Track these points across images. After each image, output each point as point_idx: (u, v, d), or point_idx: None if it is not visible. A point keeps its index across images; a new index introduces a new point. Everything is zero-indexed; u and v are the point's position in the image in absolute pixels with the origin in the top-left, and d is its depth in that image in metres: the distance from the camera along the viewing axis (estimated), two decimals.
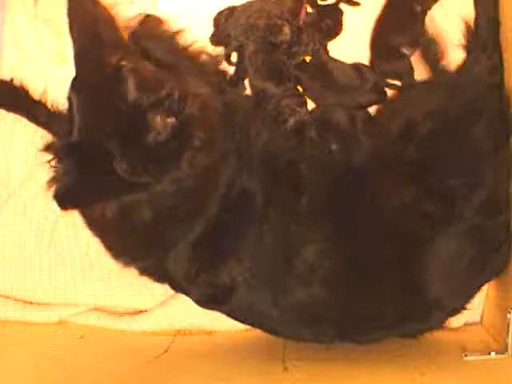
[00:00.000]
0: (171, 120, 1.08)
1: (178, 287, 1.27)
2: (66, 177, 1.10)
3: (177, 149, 1.09)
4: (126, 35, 1.23)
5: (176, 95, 1.08)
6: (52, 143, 1.29)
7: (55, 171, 1.15)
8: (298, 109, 1.36)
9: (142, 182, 1.08)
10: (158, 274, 1.25)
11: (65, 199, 1.07)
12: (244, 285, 1.20)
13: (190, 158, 1.09)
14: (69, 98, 1.13)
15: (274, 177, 1.22)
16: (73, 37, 1.18)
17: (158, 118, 1.07)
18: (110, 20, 1.20)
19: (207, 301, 1.26)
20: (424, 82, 1.37)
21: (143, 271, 1.25)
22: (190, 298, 1.27)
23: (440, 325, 1.30)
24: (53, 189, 1.12)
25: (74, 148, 1.10)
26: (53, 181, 1.15)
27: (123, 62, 1.12)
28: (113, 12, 1.23)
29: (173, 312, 1.40)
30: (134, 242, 1.21)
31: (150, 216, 1.13)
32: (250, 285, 1.20)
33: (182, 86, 1.12)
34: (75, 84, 1.14)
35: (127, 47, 1.19)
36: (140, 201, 1.12)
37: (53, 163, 1.17)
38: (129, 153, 1.06)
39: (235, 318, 1.29)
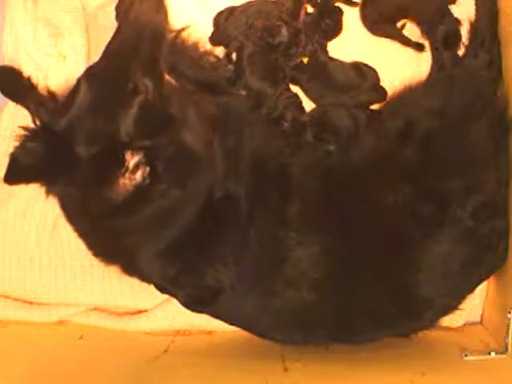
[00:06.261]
0: (145, 170, 1.07)
1: (161, 288, 1.27)
2: (29, 154, 1.08)
3: (138, 194, 1.08)
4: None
5: (166, 153, 1.07)
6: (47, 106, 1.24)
7: (22, 145, 1.11)
8: (295, 110, 1.36)
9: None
10: (136, 273, 1.25)
11: (14, 174, 1.07)
12: (230, 288, 1.19)
13: (149, 209, 1.10)
14: (78, 82, 1.12)
15: (263, 181, 1.21)
16: (117, 31, 1.17)
17: (135, 163, 1.06)
18: (160, 35, 1.17)
19: (192, 302, 1.26)
20: (424, 80, 1.37)
21: (123, 270, 1.24)
22: (177, 300, 1.27)
23: (432, 324, 1.30)
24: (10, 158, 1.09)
25: (51, 134, 1.09)
26: (17, 151, 1.11)
27: (141, 87, 1.10)
28: (168, 28, 1.22)
29: (173, 312, 1.40)
30: (101, 239, 1.20)
31: (104, 228, 1.13)
32: (237, 288, 1.19)
33: (178, 140, 1.11)
34: (91, 75, 1.13)
35: (156, 71, 1.15)
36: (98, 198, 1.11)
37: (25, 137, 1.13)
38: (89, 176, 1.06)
39: (223, 320, 1.29)
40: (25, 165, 1.07)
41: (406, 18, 1.42)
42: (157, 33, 1.16)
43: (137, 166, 1.06)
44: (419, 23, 1.42)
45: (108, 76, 1.13)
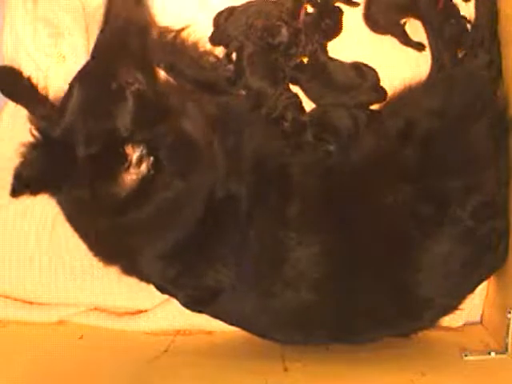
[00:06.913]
0: (149, 161, 1.06)
1: (161, 289, 1.27)
2: (33, 168, 1.08)
3: (144, 186, 1.08)
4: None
5: (167, 141, 1.07)
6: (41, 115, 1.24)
7: (27, 156, 1.11)
8: (295, 110, 1.37)
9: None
10: (135, 274, 1.25)
11: (20, 190, 1.07)
12: (230, 288, 1.19)
13: (154, 202, 1.10)
14: (70, 85, 1.13)
15: (263, 182, 1.20)
16: (102, 29, 1.16)
17: (138, 156, 1.06)
18: (145, 27, 1.17)
19: (192, 302, 1.26)
20: (424, 80, 1.37)
21: (123, 271, 1.24)
22: (178, 300, 1.27)
23: (432, 324, 1.30)
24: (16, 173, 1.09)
25: (52, 139, 1.10)
26: (22, 166, 1.10)
27: (130, 80, 1.10)
28: (152, 19, 1.21)
29: (173, 312, 1.40)
30: (102, 246, 1.21)
31: (107, 227, 1.13)
32: (237, 288, 1.19)
33: (179, 126, 1.11)
34: (82, 76, 1.13)
35: (147, 63, 1.15)
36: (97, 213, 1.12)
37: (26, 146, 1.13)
38: (91, 175, 1.06)
39: (223, 320, 1.30)
40: (29, 178, 1.07)
41: (408, 16, 1.42)
42: (140, 26, 1.16)
43: (140, 159, 1.06)
44: (425, 23, 1.42)
45: (98, 75, 1.13)
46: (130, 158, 1.06)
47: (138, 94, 1.10)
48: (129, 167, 1.06)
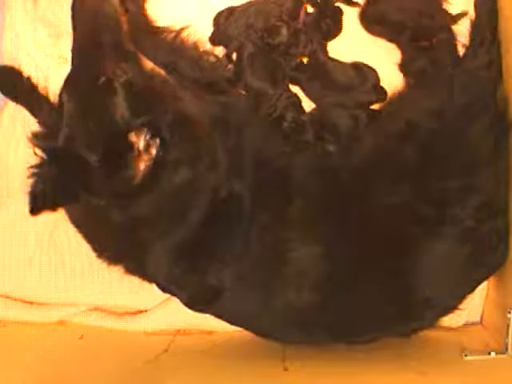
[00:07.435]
0: (156, 143, 1.07)
1: (164, 288, 1.27)
2: (46, 184, 1.09)
3: (153, 173, 1.09)
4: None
5: (166, 120, 1.09)
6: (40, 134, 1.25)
7: (38, 174, 1.13)
8: (295, 110, 1.37)
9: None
10: (140, 274, 1.26)
11: (38, 207, 1.08)
12: (232, 288, 1.20)
13: (164, 184, 1.11)
14: (60, 96, 1.14)
15: (263, 181, 1.21)
16: (74, 32, 1.18)
17: (142, 141, 1.07)
18: (114, 20, 1.18)
19: (194, 302, 1.26)
20: (424, 80, 1.37)
21: (127, 271, 1.25)
22: (179, 300, 1.27)
23: (432, 324, 1.30)
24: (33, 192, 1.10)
25: (58, 153, 1.11)
26: (35, 184, 1.12)
27: (118, 72, 1.11)
28: (120, 11, 1.21)
29: (173, 312, 1.40)
30: (109, 244, 1.22)
31: (120, 220, 1.14)
32: (239, 288, 1.20)
33: (175, 106, 1.12)
34: (69, 84, 1.14)
35: (128, 53, 1.17)
36: (111, 205, 1.12)
37: (36, 163, 1.14)
38: (104, 171, 1.07)
39: (225, 320, 1.30)
40: (45, 196, 1.08)
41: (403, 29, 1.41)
42: (110, 19, 1.17)
43: (147, 144, 1.07)
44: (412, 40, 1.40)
45: (83, 78, 1.14)
46: (137, 146, 1.07)
47: (128, 84, 1.11)
48: (139, 155, 1.07)
